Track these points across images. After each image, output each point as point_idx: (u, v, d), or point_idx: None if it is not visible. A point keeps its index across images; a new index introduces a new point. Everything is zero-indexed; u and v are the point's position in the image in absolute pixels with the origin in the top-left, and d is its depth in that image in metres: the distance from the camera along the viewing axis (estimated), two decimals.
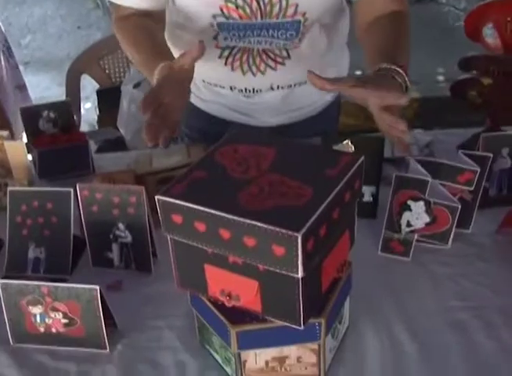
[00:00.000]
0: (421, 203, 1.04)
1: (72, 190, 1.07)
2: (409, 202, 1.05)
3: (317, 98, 1.40)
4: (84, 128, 2.23)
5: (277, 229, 0.68)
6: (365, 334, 0.93)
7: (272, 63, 1.23)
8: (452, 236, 1.07)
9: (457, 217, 1.04)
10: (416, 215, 1.05)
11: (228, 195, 0.74)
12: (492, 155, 1.08)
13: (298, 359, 0.83)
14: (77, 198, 1.07)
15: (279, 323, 0.78)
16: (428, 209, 1.04)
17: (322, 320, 0.79)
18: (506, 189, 1.20)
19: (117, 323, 0.95)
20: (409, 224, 1.06)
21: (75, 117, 1.46)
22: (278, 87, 1.28)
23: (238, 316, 0.80)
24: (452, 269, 1.05)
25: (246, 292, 0.76)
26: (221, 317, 0.80)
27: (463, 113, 2.85)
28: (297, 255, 0.68)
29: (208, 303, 0.82)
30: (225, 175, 0.78)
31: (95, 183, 1.17)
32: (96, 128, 2.21)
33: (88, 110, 2.41)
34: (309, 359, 0.83)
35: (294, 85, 1.29)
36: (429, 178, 1.03)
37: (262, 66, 1.23)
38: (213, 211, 0.71)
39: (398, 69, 0.97)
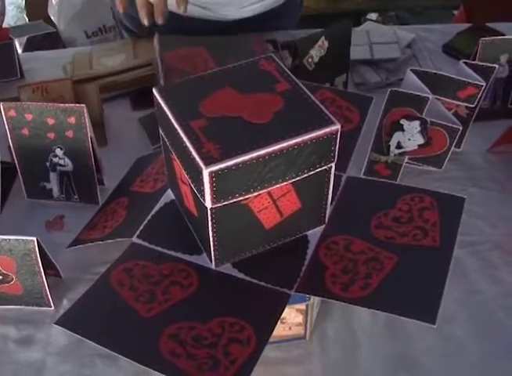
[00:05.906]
0: (416, 123, 0.89)
1: None
2: (402, 121, 0.90)
3: None
4: (8, 19, 1.90)
5: None
6: None
7: None
8: (447, 159, 0.94)
9: (456, 139, 0.90)
10: (409, 136, 0.91)
11: None
12: (497, 66, 0.93)
13: (282, 320, 0.71)
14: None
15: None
16: (424, 130, 0.89)
17: None
18: (500, 101, 1.07)
19: (61, 272, 0.80)
20: (399, 145, 0.92)
21: None
22: None
23: None
24: None
25: None
26: None
27: None
28: None
29: None
30: None
31: (24, 94, 0.96)
32: (25, 15, 1.89)
33: None
34: (294, 319, 0.71)
35: None
36: (429, 96, 0.87)
37: None
38: None
39: None
